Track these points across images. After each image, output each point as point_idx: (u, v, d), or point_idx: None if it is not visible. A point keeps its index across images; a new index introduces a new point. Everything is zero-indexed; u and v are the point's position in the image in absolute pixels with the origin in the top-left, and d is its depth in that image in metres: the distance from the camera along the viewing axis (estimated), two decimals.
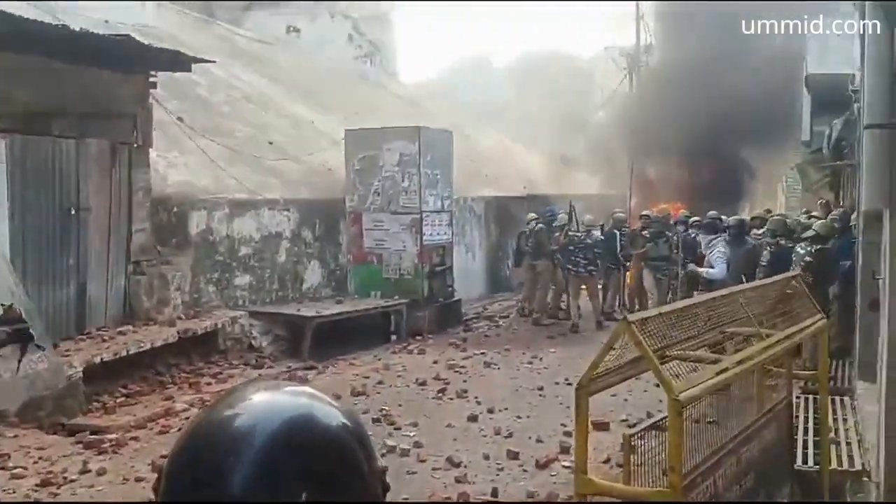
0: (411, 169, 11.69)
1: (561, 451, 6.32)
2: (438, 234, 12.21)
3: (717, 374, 3.10)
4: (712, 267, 9.08)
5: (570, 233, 11.98)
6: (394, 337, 11.19)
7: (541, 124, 28.26)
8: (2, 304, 4.87)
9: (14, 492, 5.50)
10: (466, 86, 38.65)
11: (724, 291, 4.01)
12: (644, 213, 12.98)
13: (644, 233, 12.17)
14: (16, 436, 6.65)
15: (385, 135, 11.97)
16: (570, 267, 11.86)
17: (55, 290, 8.03)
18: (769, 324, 4.05)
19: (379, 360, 9.84)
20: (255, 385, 0.96)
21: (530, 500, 5.46)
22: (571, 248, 11.84)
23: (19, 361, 4.70)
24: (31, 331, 4.76)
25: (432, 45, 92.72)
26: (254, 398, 0.92)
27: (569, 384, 8.45)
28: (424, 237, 11.77)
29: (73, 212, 8.20)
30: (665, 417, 3.51)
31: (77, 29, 8.01)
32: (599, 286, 12.48)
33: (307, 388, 0.97)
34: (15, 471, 5.86)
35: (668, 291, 11.33)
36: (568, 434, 6.70)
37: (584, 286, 12.05)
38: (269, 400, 0.92)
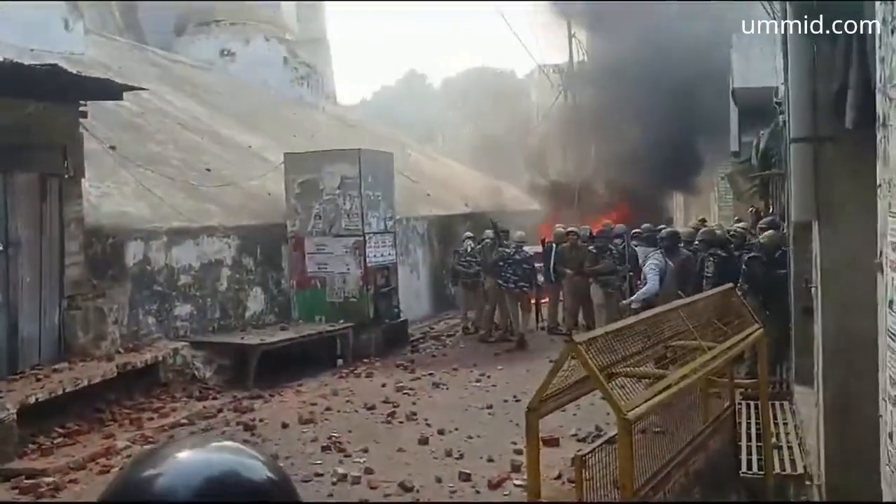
0: (353, 191, 11.65)
1: (512, 469, 6.34)
2: (382, 255, 12.17)
3: (663, 389, 3.16)
4: (646, 280, 9.22)
5: (499, 249, 12.23)
6: (340, 361, 11.08)
7: (479, 141, 28.55)
8: None
9: None
10: (403, 105, 38.86)
11: (666, 306, 4.09)
12: (571, 229, 13.05)
13: (591, 248, 12.35)
14: None
15: (325, 158, 11.92)
16: (500, 283, 12.00)
17: None
18: (710, 336, 4.15)
19: (326, 385, 9.73)
20: (176, 443, 0.94)
21: None
22: (502, 263, 12.01)
23: None
24: None
25: (368, 66, 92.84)
26: (176, 456, 0.89)
27: (517, 401, 8.51)
28: (368, 259, 11.72)
29: (1, 248, 7.91)
30: (615, 435, 3.57)
31: (1, 59, 7.79)
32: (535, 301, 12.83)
33: (230, 443, 0.95)
34: None
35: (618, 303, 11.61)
36: (518, 452, 6.72)
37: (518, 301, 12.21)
38: (190, 458, 0.89)
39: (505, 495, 5.90)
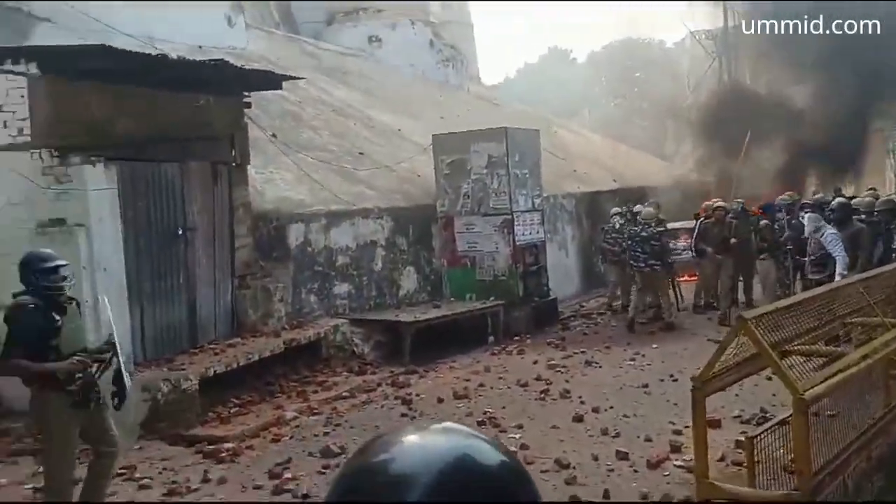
0: (500, 170, 11.69)
1: (672, 449, 6.18)
2: (530, 233, 12.15)
3: (843, 369, 2.97)
4: (834, 258, 8.57)
5: (629, 228, 11.84)
6: (491, 339, 11.20)
7: (628, 115, 27.76)
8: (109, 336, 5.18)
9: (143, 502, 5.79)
10: (547, 82, 38.38)
11: (842, 281, 3.83)
12: (719, 204, 12.29)
13: (763, 223, 11.73)
14: (140, 448, 7.01)
15: (472, 138, 12.01)
16: (631, 263, 11.56)
17: (168, 308, 8.41)
18: (893, 313, 3.86)
19: (478, 362, 9.87)
20: (405, 428, 0.93)
21: (644, 501, 5.35)
22: (630, 242, 11.55)
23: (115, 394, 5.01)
24: (115, 358, 5.06)
25: (510, 44, 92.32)
26: (407, 442, 0.89)
27: (674, 380, 8.28)
28: (517, 237, 11.74)
29: (180, 232, 8.56)
30: (788, 416, 3.39)
31: (175, 57, 8.40)
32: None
33: (460, 427, 0.93)
34: (142, 482, 6.17)
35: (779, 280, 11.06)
36: (677, 432, 6.55)
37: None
38: (423, 444, 0.89)
39: (665, 475, 5.76)
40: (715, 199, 12.93)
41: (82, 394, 4.86)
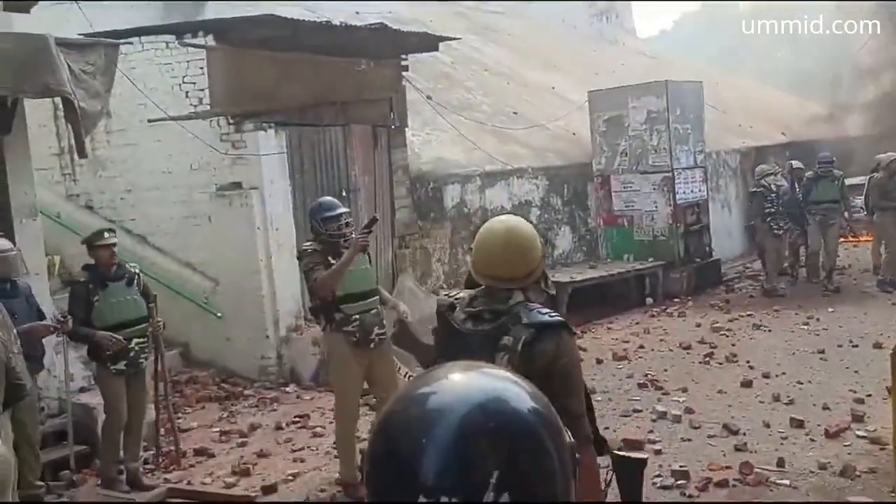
0: (660, 126, 11.25)
1: (853, 419, 5.79)
2: (692, 191, 11.66)
3: None
4: None
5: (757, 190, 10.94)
6: (650, 300, 10.91)
7: (796, 64, 25.88)
8: None
9: (316, 449, 6.13)
10: (707, 33, 36.42)
11: None
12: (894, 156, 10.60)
13: None
14: (312, 398, 7.42)
15: (630, 93, 11.60)
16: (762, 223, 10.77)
17: None
18: None
19: (637, 323, 9.66)
20: (450, 367, 1.01)
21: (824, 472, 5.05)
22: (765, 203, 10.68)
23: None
24: None
25: None
26: (447, 380, 0.97)
27: (854, 346, 7.77)
28: (677, 196, 11.30)
29: (344, 193, 8.87)
30: None
31: (338, 23, 8.63)
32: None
33: (500, 371, 1.02)
34: (315, 429, 6.53)
35: None
36: (859, 401, 6.15)
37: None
38: (461, 382, 0.97)
39: (846, 445, 5.41)
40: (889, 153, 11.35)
41: (360, 334, 5.19)
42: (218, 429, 6.66)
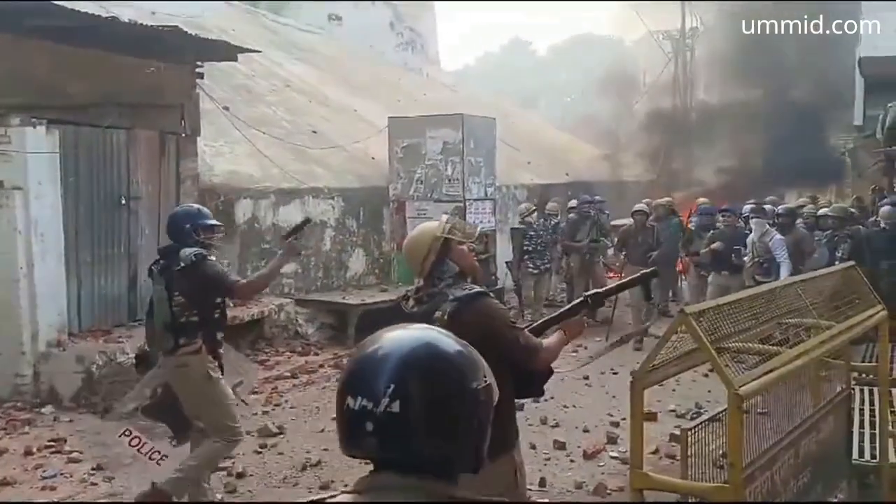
0: (454, 157, 11.66)
1: (608, 441, 6.29)
2: (482, 221, 12.15)
3: (778, 367, 3.03)
4: (769, 261, 8.73)
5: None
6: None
7: (584, 109, 28.00)
8: None
9: (71, 476, 5.65)
10: (507, 71, 38.48)
11: (783, 281, 3.92)
12: (638, 207, 10.63)
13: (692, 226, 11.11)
14: (71, 420, 6.84)
15: (428, 122, 11.95)
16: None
17: (108, 280, 8.19)
18: (828, 316, 3.95)
19: None
20: (394, 327, 1.38)
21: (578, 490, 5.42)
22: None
23: None
24: None
25: (472, 31, 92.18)
26: (385, 333, 1.35)
27: (615, 374, 8.40)
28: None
29: (123, 201, 8.34)
30: (722, 411, 3.46)
31: (126, 20, 8.15)
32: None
33: (431, 327, 1.42)
34: (72, 454, 6.02)
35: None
36: (615, 424, 6.67)
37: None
38: (393, 332, 1.35)
39: (600, 466, 5.86)
40: (648, 201, 11.73)
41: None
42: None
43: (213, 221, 5.01)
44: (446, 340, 1.32)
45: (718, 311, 3.32)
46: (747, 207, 10.77)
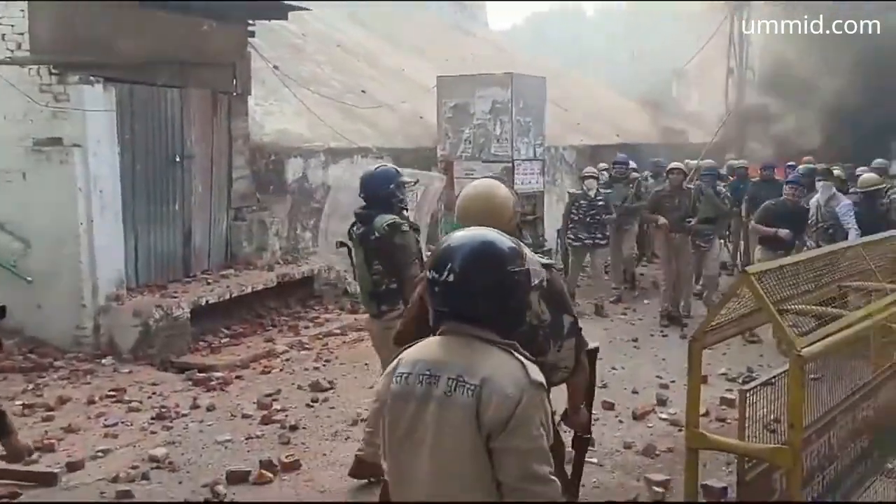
0: (503, 116, 11.54)
1: (658, 402, 6.26)
2: (530, 182, 12.06)
3: (842, 329, 2.97)
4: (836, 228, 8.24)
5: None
6: None
7: (635, 70, 27.40)
8: None
9: (132, 424, 5.84)
10: (556, 33, 37.80)
11: (847, 243, 3.82)
12: (675, 165, 9.57)
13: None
14: (130, 371, 7.06)
15: (477, 82, 11.81)
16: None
17: (163, 235, 8.36)
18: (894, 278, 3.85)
19: None
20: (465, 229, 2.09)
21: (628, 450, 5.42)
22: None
23: None
24: None
25: None
26: (459, 233, 2.04)
27: (664, 336, 8.35)
28: (516, 185, 11.62)
29: (177, 159, 8.46)
30: (777, 375, 3.41)
31: None
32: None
33: (489, 229, 2.04)
34: (131, 404, 6.22)
35: None
36: (664, 386, 6.63)
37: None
38: (465, 233, 2.03)
39: (649, 427, 5.84)
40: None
41: None
42: (21, 402, 6.18)
43: (405, 178, 4.89)
44: (495, 237, 1.98)
45: (780, 273, 3.26)
46: (801, 168, 10.42)
